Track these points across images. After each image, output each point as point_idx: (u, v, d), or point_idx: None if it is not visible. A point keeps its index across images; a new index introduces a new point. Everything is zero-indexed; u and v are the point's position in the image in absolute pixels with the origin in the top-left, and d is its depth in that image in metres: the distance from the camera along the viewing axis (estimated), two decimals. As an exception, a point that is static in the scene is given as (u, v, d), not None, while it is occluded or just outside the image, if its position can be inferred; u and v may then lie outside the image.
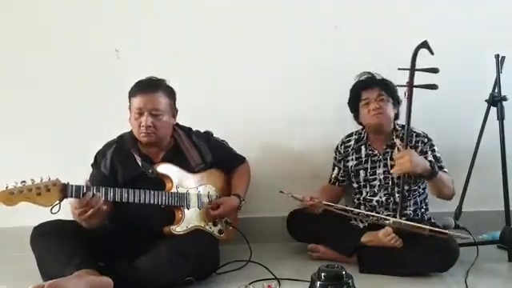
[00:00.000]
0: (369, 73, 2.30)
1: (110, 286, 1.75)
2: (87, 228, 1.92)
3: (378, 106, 2.21)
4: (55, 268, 1.81)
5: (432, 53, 2.02)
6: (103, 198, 1.86)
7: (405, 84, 2.07)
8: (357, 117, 2.36)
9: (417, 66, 2.05)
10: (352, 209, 2.31)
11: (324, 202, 2.21)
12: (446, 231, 2.03)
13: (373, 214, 2.25)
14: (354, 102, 2.32)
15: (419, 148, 2.23)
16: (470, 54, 2.57)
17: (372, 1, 2.62)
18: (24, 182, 1.71)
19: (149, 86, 2.06)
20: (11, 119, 2.53)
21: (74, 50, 2.52)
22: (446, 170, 2.21)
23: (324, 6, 2.59)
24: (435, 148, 2.25)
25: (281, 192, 2.22)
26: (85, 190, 1.81)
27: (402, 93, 2.20)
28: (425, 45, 2.04)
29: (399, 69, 2.06)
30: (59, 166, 1.88)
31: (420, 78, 2.04)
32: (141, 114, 2.04)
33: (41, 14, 2.52)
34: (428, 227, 2.05)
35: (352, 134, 2.43)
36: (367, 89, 2.25)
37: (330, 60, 2.58)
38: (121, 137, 2.19)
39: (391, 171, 2.20)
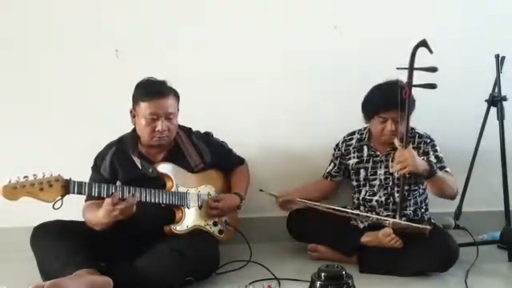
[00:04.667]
0: (392, 86, 2.14)
1: (109, 285, 1.75)
2: (89, 228, 1.93)
3: (394, 129, 2.16)
4: (55, 268, 1.82)
5: (431, 51, 2.01)
6: (104, 196, 1.88)
7: (403, 84, 2.07)
8: (367, 119, 2.30)
9: (416, 66, 2.05)
10: (330, 206, 2.25)
11: (298, 199, 2.25)
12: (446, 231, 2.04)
13: (361, 213, 2.26)
14: (370, 112, 2.24)
15: (422, 149, 2.22)
16: (469, 53, 2.57)
17: (372, 1, 2.62)
18: (26, 177, 1.72)
19: (161, 91, 2.05)
20: (12, 118, 2.53)
21: (74, 50, 2.52)
22: (448, 169, 2.20)
23: (324, 6, 2.59)
24: (437, 148, 2.24)
25: (261, 191, 2.30)
26: (87, 187, 1.84)
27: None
28: (424, 43, 2.02)
29: (397, 68, 2.04)
30: (59, 165, 1.87)
31: (419, 78, 2.04)
32: (155, 119, 2.03)
33: (40, 13, 2.53)
34: (428, 227, 2.05)
35: (354, 132, 2.43)
36: (388, 110, 2.16)
37: (330, 60, 2.58)
38: (121, 138, 2.19)
39: (391, 170, 2.20)
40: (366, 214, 2.24)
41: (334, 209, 2.24)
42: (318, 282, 1.50)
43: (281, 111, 2.61)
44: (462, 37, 2.58)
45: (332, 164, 2.47)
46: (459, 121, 2.60)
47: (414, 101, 2.18)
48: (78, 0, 2.54)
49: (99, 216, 1.90)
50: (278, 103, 2.60)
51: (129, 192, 1.93)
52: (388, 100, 2.11)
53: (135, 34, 2.54)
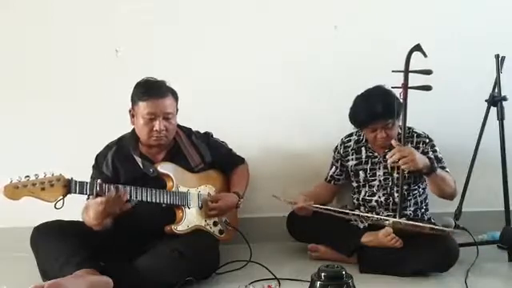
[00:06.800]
0: (375, 95, 2.17)
1: (109, 285, 1.75)
2: (89, 228, 1.92)
3: (386, 135, 2.17)
4: (55, 268, 1.82)
5: (425, 55, 2.02)
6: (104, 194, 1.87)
7: (400, 86, 2.07)
8: (357, 128, 2.33)
9: (416, 67, 2.05)
10: (347, 211, 2.25)
11: (314, 206, 2.21)
12: (446, 229, 2.03)
13: (368, 214, 2.24)
14: (358, 125, 2.26)
15: (420, 149, 2.22)
16: (469, 53, 2.57)
17: (372, 1, 2.62)
18: (28, 176, 1.72)
19: (159, 90, 2.05)
20: (12, 118, 2.54)
21: (74, 50, 2.52)
22: (447, 170, 2.20)
23: (324, 6, 2.59)
24: (436, 148, 2.25)
25: (274, 197, 2.27)
26: (88, 186, 1.83)
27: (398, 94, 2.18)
28: (418, 48, 2.03)
29: (393, 71, 2.05)
30: (60, 164, 1.87)
31: (417, 79, 2.04)
32: (153, 118, 2.03)
33: (40, 13, 2.53)
34: (428, 225, 2.05)
35: (352, 134, 2.43)
36: (375, 122, 2.16)
37: (330, 60, 2.58)
38: (121, 138, 2.19)
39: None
40: (370, 215, 2.22)
41: (344, 212, 2.22)
42: (318, 282, 1.50)
43: (281, 111, 2.61)
44: (462, 37, 2.58)
45: (334, 167, 2.46)
46: (459, 121, 2.60)
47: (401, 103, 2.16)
48: (78, 0, 2.54)
49: (90, 215, 1.90)
50: (277, 103, 2.60)
51: (129, 192, 1.92)
52: (373, 113, 2.13)
53: (135, 34, 2.54)
